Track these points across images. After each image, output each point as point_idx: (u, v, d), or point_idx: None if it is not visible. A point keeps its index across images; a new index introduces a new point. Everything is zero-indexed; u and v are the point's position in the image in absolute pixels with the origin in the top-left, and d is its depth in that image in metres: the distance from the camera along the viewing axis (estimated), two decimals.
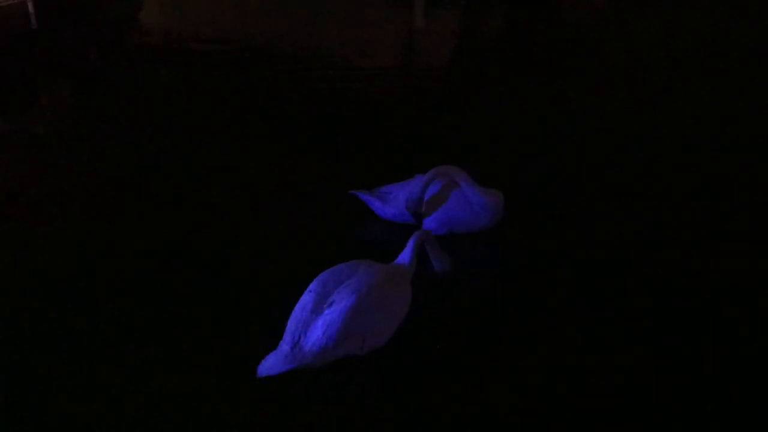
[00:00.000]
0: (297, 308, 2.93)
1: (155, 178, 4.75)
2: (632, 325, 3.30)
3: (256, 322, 3.27)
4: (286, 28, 8.57)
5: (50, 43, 7.80)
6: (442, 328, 3.26)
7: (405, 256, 3.20)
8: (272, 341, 2.93)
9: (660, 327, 3.28)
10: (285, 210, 4.32)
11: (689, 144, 5.34)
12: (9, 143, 5.37)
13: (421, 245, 3.24)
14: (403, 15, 9.45)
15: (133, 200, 4.47)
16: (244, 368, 2.89)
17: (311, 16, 9.13)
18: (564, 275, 3.68)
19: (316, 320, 2.85)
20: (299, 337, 2.83)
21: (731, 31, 8.73)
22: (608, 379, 2.97)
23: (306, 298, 2.93)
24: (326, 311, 2.85)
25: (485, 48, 8.40)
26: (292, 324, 2.88)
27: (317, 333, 2.82)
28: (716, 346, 3.17)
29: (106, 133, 5.57)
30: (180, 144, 5.32)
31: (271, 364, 2.85)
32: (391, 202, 4.00)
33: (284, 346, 2.83)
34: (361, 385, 2.94)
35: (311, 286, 2.97)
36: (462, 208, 3.88)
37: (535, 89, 6.68)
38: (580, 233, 4.07)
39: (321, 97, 6.29)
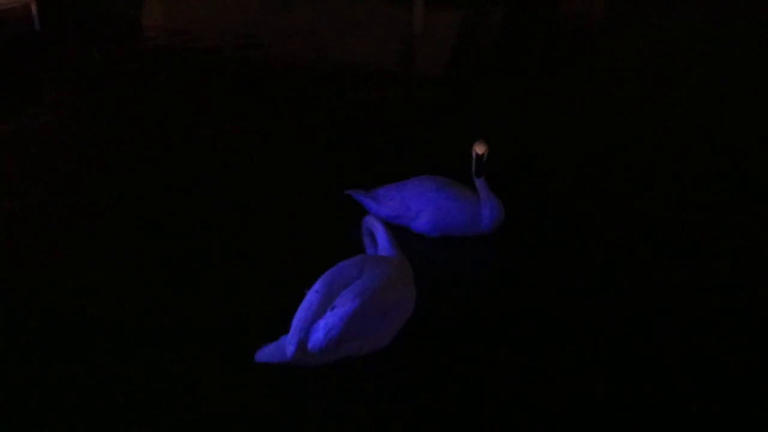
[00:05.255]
0: (302, 308, 2.92)
1: (156, 178, 4.80)
2: (630, 328, 3.33)
3: (255, 315, 3.33)
4: (287, 27, 8.61)
5: (54, 45, 7.87)
6: (439, 329, 3.30)
7: (385, 248, 3.15)
8: (271, 332, 2.97)
9: (657, 330, 3.31)
10: (282, 209, 4.37)
11: (691, 145, 5.36)
12: (12, 142, 5.42)
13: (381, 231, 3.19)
14: (403, 15, 9.48)
15: (135, 199, 4.52)
16: (243, 357, 2.94)
17: (311, 16, 9.17)
18: (562, 278, 3.72)
19: (318, 322, 2.85)
20: (304, 337, 2.84)
21: (729, 29, 8.74)
22: (604, 380, 3.00)
23: (311, 298, 2.91)
24: (328, 313, 2.86)
25: (485, 48, 8.41)
26: (297, 323, 2.88)
27: (318, 334, 2.83)
28: (713, 354, 3.18)
29: (109, 133, 5.63)
30: (180, 143, 5.37)
31: (268, 353, 2.88)
32: (386, 203, 4.05)
33: (289, 345, 2.84)
34: (358, 384, 2.97)
35: (316, 286, 2.94)
36: (458, 213, 3.93)
37: (535, 91, 6.70)
38: (579, 235, 4.11)
39: (320, 97, 6.33)
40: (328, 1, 9.85)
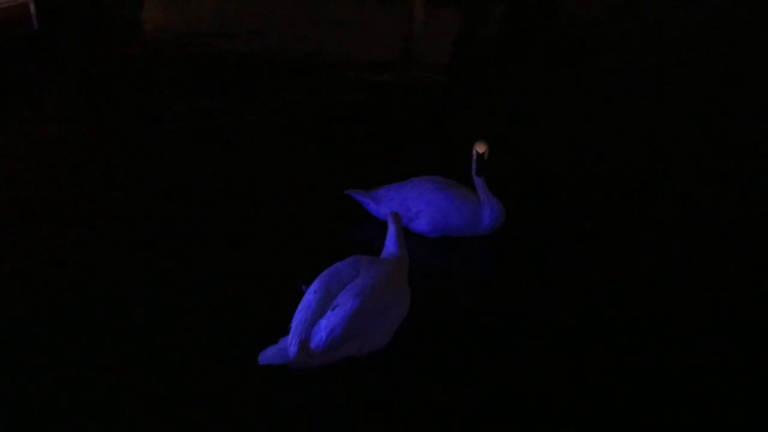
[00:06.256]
0: (300, 309, 2.93)
1: (156, 179, 4.79)
2: (631, 329, 3.33)
3: (255, 316, 3.33)
4: (287, 28, 8.61)
5: (52, 44, 7.84)
6: (439, 329, 3.30)
7: (391, 244, 3.21)
8: (273, 333, 2.97)
9: (659, 332, 3.30)
10: (282, 208, 4.37)
11: (691, 144, 5.36)
12: (12, 144, 5.41)
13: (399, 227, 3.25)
14: (403, 15, 9.48)
15: (136, 200, 4.51)
16: (245, 358, 2.94)
17: (312, 16, 9.17)
18: (562, 278, 3.72)
19: (319, 322, 2.87)
20: (305, 337, 2.85)
21: (729, 26, 8.74)
22: (603, 380, 3.01)
23: (309, 299, 2.94)
24: (329, 313, 2.87)
25: (485, 47, 8.41)
26: (296, 324, 2.89)
27: (321, 334, 2.84)
28: (714, 357, 3.18)
29: (109, 132, 5.62)
30: (180, 143, 5.36)
31: (270, 355, 2.88)
32: (386, 203, 4.04)
33: (291, 346, 2.85)
34: (357, 383, 2.98)
35: (314, 287, 2.97)
36: (458, 213, 3.93)
37: (535, 90, 6.70)
38: (578, 236, 4.11)
39: (319, 96, 6.32)
40: (327, 1, 9.84)
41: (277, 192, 4.59)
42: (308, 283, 3.02)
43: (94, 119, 6.04)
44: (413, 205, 3.97)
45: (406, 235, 4.02)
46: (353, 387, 2.96)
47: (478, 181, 3.90)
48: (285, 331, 2.94)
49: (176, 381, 2.97)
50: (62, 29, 8.38)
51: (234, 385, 2.93)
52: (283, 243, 4.00)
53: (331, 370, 2.95)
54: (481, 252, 3.98)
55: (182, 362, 3.07)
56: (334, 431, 2.77)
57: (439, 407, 2.86)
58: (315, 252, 3.79)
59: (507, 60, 7.90)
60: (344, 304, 2.87)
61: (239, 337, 3.18)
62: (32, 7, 7.71)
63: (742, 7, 9.70)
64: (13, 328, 3.32)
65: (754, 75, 7.08)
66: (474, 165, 3.84)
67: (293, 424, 2.78)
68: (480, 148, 3.82)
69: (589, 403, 2.88)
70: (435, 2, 10.13)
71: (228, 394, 2.90)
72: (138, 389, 2.93)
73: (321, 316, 2.88)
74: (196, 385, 2.95)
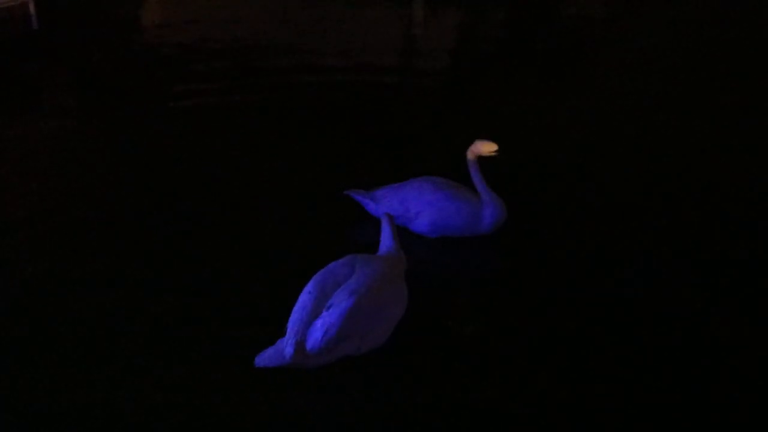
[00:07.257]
0: (296, 309, 2.93)
1: (156, 179, 4.79)
2: (631, 330, 3.32)
3: (254, 317, 3.32)
4: (287, 28, 8.60)
5: (52, 45, 7.83)
6: (439, 329, 3.29)
7: (386, 243, 3.22)
8: (270, 335, 2.96)
9: (659, 333, 3.30)
10: (281, 209, 4.36)
11: (690, 147, 5.35)
12: (10, 144, 5.40)
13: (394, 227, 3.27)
14: (403, 15, 9.47)
15: (135, 200, 4.51)
16: (242, 360, 2.93)
17: (311, 16, 9.16)
18: (562, 278, 3.71)
19: (315, 322, 2.86)
20: (301, 338, 2.83)
21: (729, 25, 8.75)
22: (601, 380, 3.01)
23: (304, 299, 2.93)
24: (325, 313, 2.86)
25: (485, 48, 8.40)
26: (292, 325, 2.88)
27: (316, 335, 2.83)
28: (711, 356, 3.18)
29: (108, 134, 5.62)
30: (179, 144, 5.36)
31: (267, 358, 2.87)
32: (385, 203, 4.03)
33: (287, 347, 2.83)
34: (357, 384, 2.98)
35: (309, 287, 2.96)
36: (458, 213, 3.92)
37: (535, 90, 6.69)
38: (579, 236, 4.10)
39: (319, 97, 6.32)
40: (327, 1, 9.83)
41: (276, 192, 4.58)
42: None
43: (94, 118, 6.04)
44: (413, 205, 3.96)
45: (406, 235, 4.02)
46: (352, 387, 2.95)
47: (478, 181, 3.88)
48: (284, 331, 2.92)
49: (176, 381, 2.97)
50: (62, 29, 8.36)
51: (233, 386, 2.93)
52: (282, 243, 3.99)
53: (329, 369, 2.94)
54: (481, 252, 3.98)
55: (182, 362, 3.07)
56: (333, 431, 2.76)
57: (439, 407, 2.85)
58: (314, 252, 3.78)
59: (507, 60, 7.89)
60: (339, 304, 2.86)
61: (239, 338, 3.17)
62: (32, 7, 7.68)
63: (743, 7, 9.69)
64: (14, 327, 3.31)
65: (755, 74, 7.07)
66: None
67: (292, 424, 2.78)
68: (485, 148, 3.85)
69: (589, 404, 2.88)
70: (435, 2, 10.12)
71: (227, 394, 2.90)
72: (138, 389, 2.92)
73: (317, 317, 2.87)
74: (195, 386, 2.94)
